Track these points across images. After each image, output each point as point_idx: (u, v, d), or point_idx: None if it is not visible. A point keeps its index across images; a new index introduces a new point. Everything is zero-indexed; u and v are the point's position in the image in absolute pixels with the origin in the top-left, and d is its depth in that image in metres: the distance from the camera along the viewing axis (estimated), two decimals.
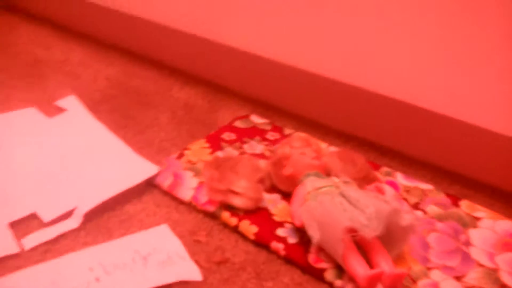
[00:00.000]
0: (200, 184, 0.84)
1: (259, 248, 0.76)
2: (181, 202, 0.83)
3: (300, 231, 0.76)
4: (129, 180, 0.84)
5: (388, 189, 0.84)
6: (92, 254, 0.73)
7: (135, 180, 0.84)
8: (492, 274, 0.72)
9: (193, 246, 0.76)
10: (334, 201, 0.72)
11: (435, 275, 0.71)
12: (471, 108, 0.87)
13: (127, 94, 1.15)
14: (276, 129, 0.99)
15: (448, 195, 0.85)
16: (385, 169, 0.90)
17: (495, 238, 0.77)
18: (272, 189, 0.84)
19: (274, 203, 0.82)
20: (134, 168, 0.88)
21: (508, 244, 0.76)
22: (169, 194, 0.85)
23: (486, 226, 0.79)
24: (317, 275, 0.71)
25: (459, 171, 0.92)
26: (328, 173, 0.82)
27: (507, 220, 0.81)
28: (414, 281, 0.70)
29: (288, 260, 0.74)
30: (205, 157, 0.91)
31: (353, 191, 0.74)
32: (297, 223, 0.75)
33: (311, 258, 0.73)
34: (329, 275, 0.71)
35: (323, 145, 0.95)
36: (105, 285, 0.68)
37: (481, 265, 0.73)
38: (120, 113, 1.07)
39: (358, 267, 0.67)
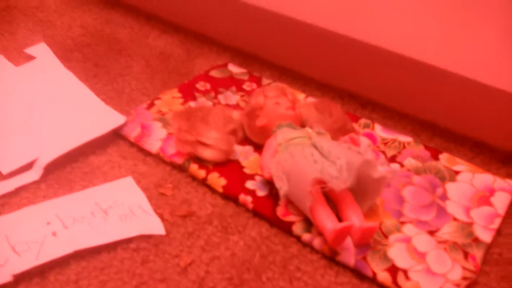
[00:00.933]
0: (169, 136, 0.81)
1: (227, 202, 0.73)
2: (148, 154, 0.80)
3: (270, 184, 0.73)
4: (94, 131, 0.80)
5: (363, 140, 0.80)
6: (50, 208, 0.70)
7: (100, 130, 0.81)
8: (466, 228, 0.69)
9: (158, 199, 0.73)
10: (305, 152, 0.69)
11: (408, 229, 0.69)
12: (456, 57, 0.82)
13: (101, 42, 1.09)
14: (254, 79, 0.95)
15: (427, 147, 0.82)
16: (364, 120, 0.86)
17: (473, 192, 0.74)
18: (245, 141, 0.81)
19: (245, 156, 0.79)
20: (100, 118, 0.84)
21: (485, 198, 0.73)
22: (136, 146, 0.81)
23: (465, 180, 0.76)
24: (285, 228, 0.69)
25: (441, 124, 0.88)
26: (303, 124, 0.78)
27: (487, 173, 0.78)
28: (385, 235, 0.67)
29: (256, 213, 0.71)
30: (177, 108, 0.87)
31: (325, 142, 0.70)
32: (266, 175, 0.72)
33: (279, 211, 0.70)
34: (297, 228, 0.68)
35: (301, 96, 0.90)
36: (62, 239, 0.66)
37: (456, 219, 0.70)
38: (92, 62, 1.02)
39: (326, 220, 0.65)
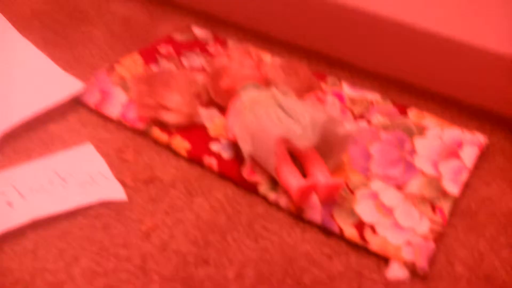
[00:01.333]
0: (130, 101, 0.78)
1: (191, 165, 0.71)
2: (109, 120, 0.77)
3: (235, 145, 0.71)
4: (51, 98, 0.77)
5: (329, 98, 0.78)
6: (5, 177, 0.67)
7: (58, 97, 0.77)
8: (434, 181, 0.68)
9: (120, 165, 0.71)
10: (269, 112, 0.67)
11: (375, 185, 0.68)
12: (420, 10, 0.80)
13: (60, 9, 1.05)
14: (219, 41, 0.92)
15: (395, 104, 0.80)
16: (331, 79, 0.84)
17: (441, 147, 0.73)
18: (210, 103, 0.79)
19: (210, 118, 0.76)
20: (59, 85, 0.81)
21: (453, 152, 0.73)
22: (96, 112, 0.78)
23: (433, 135, 0.75)
24: (251, 189, 0.67)
25: (409, 80, 0.87)
26: (269, 84, 0.76)
27: (455, 127, 0.77)
28: (352, 191, 0.66)
29: (221, 175, 0.69)
30: (138, 72, 0.84)
31: (290, 101, 0.69)
32: (230, 136, 0.70)
33: (245, 172, 0.68)
34: (263, 188, 0.66)
35: (268, 57, 0.88)
36: (18, 209, 0.63)
37: (424, 174, 0.69)
38: (50, 30, 0.98)
39: (291, 178, 0.63)
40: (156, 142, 0.74)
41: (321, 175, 0.64)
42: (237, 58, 0.77)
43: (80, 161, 0.70)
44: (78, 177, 0.67)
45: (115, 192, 0.66)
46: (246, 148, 0.66)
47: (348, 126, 0.70)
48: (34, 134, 0.75)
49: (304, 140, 0.63)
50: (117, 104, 0.78)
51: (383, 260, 0.60)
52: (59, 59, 0.89)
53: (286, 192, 0.65)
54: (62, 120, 0.77)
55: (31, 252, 0.60)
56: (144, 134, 0.75)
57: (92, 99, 0.78)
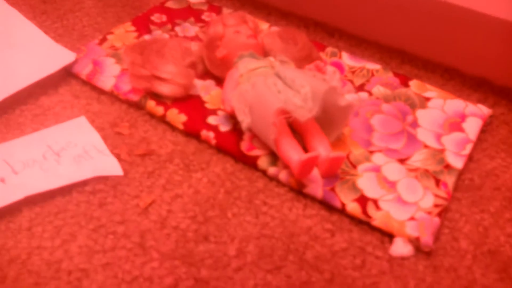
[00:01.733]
0: (123, 72, 0.75)
1: (188, 138, 0.69)
2: (102, 92, 0.75)
3: (233, 118, 0.69)
4: (42, 70, 0.74)
5: (329, 68, 0.76)
6: None
7: (49, 69, 0.75)
8: (438, 154, 0.67)
9: (114, 139, 0.69)
10: (268, 82, 0.65)
11: (378, 158, 0.66)
12: None
13: None
14: (214, 9, 0.89)
15: (396, 74, 0.78)
16: (330, 49, 0.82)
17: (444, 118, 0.72)
18: (206, 74, 0.76)
19: (207, 90, 0.74)
20: (49, 56, 0.78)
21: (456, 124, 0.71)
22: (89, 84, 0.76)
23: (435, 106, 0.74)
24: (250, 163, 0.65)
25: (411, 50, 0.85)
26: (267, 54, 0.74)
27: (458, 99, 0.75)
28: (354, 165, 0.65)
29: (219, 149, 0.68)
30: (131, 42, 0.81)
31: (289, 71, 0.66)
32: (228, 108, 0.68)
33: (244, 145, 0.66)
34: (262, 162, 0.65)
35: (265, 26, 0.85)
36: (11, 185, 0.61)
37: (426, 146, 0.68)
38: None
39: (291, 152, 0.61)
40: (151, 115, 0.72)
41: (322, 148, 0.63)
42: (233, 25, 0.74)
43: (74, 135, 0.68)
44: (72, 151, 0.65)
45: (111, 167, 0.65)
46: (244, 120, 0.64)
47: (349, 97, 0.68)
48: (26, 107, 0.72)
49: (304, 111, 0.61)
50: (110, 75, 0.75)
51: (387, 236, 0.59)
52: (48, 29, 0.86)
53: (286, 166, 0.63)
54: (54, 92, 0.75)
55: (27, 229, 0.58)
56: (138, 106, 0.72)
57: (84, 71, 0.76)
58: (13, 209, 0.60)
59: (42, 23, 0.88)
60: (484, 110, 0.74)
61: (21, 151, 0.65)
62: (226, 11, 0.88)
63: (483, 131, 0.72)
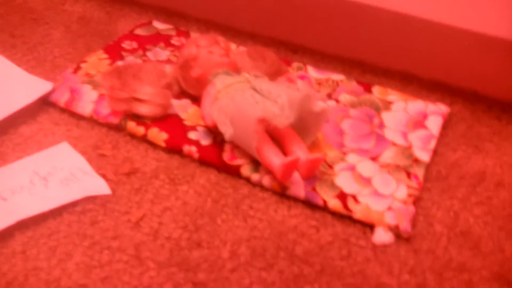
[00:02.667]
0: (101, 97, 0.78)
1: (171, 155, 0.72)
2: (81, 118, 0.77)
3: (213, 132, 0.72)
4: (20, 101, 0.76)
5: (300, 81, 0.81)
6: None
7: (27, 99, 0.76)
8: (406, 151, 0.72)
9: (99, 161, 0.71)
10: (246, 95, 0.69)
11: (351, 158, 0.71)
12: None
13: (13, 12, 1.03)
14: (182, 33, 0.93)
15: (360, 82, 0.84)
16: (296, 64, 0.87)
17: (407, 118, 0.77)
18: (181, 94, 0.79)
19: (184, 109, 0.77)
20: (25, 87, 0.79)
21: (419, 123, 0.77)
22: (67, 111, 0.78)
23: (398, 108, 0.79)
24: (233, 172, 0.69)
25: (370, 61, 0.91)
26: (239, 71, 0.78)
27: (418, 100, 0.81)
28: (330, 166, 0.69)
29: (202, 162, 0.71)
30: (104, 69, 0.83)
31: (264, 83, 0.71)
32: (209, 122, 0.71)
33: (226, 156, 0.70)
34: (245, 170, 0.68)
35: (233, 46, 0.90)
36: (2, 212, 0.62)
37: (395, 144, 0.73)
38: (7, 33, 0.96)
39: (273, 157, 0.65)
40: (132, 135, 0.74)
41: (301, 152, 0.67)
42: (206, 46, 0.78)
43: (59, 160, 0.69)
44: (59, 175, 0.67)
45: (98, 186, 0.66)
46: (227, 131, 0.67)
47: (322, 103, 0.72)
48: (7, 137, 0.74)
49: (282, 119, 0.65)
50: (88, 101, 0.77)
51: (368, 227, 0.64)
52: (20, 62, 0.88)
53: (268, 172, 0.67)
54: (34, 122, 0.76)
55: (21, 253, 0.59)
56: (119, 128, 0.75)
57: (61, 99, 0.78)
58: (5, 235, 0.61)
59: (13, 57, 0.89)
60: (443, 108, 0.80)
61: (7, 179, 0.67)
62: (194, 35, 0.92)
63: (444, 127, 0.78)
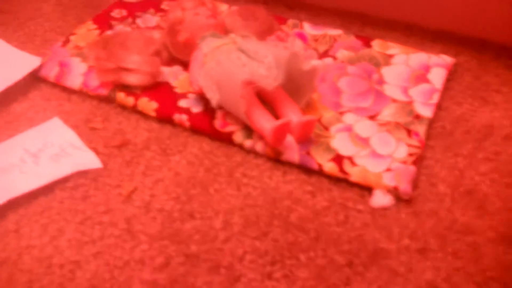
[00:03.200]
0: (90, 69, 0.76)
1: (162, 124, 0.70)
2: (72, 92, 0.75)
3: (204, 99, 0.70)
4: (9, 77, 0.75)
5: (292, 38, 0.77)
6: None
7: (16, 76, 0.75)
8: (406, 107, 0.69)
9: (90, 135, 0.69)
10: (232, 57, 0.66)
11: (348, 118, 0.68)
12: None
13: None
14: None
15: (358, 37, 0.80)
16: (292, 21, 0.83)
17: (409, 72, 0.74)
18: (172, 61, 0.77)
19: (175, 76, 0.75)
20: (14, 63, 0.78)
21: (421, 76, 0.73)
22: (58, 86, 0.76)
23: (399, 62, 0.75)
24: (226, 139, 0.67)
25: (371, 12, 0.86)
26: (228, 32, 0.75)
27: (421, 52, 0.77)
28: (326, 127, 0.66)
29: (194, 131, 0.69)
30: (93, 40, 0.81)
31: (251, 44, 0.67)
32: (195, 88, 0.69)
33: (218, 123, 0.67)
34: (238, 137, 0.66)
35: (224, 7, 0.86)
36: None
37: (395, 101, 0.70)
38: None
39: (263, 121, 0.63)
40: (123, 106, 0.72)
41: (293, 115, 0.64)
42: (191, 8, 0.74)
43: (49, 136, 0.68)
44: (49, 152, 0.66)
45: (90, 160, 0.65)
46: (213, 97, 0.65)
47: (314, 61, 0.69)
48: None
49: (270, 80, 0.62)
50: (77, 74, 0.75)
51: (366, 190, 0.61)
52: (10, 38, 0.86)
53: (261, 137, 0.64)
54: (24, 98, 0.75)
55: (14, 231, 0.59)
56: (109, 100, 0.73)
57: (51, 73, 0.76)
58: None
59: (3, 33, 0.87)
60: (448, 59, 0.75)
61: None
62: None
63: (449, 79, 0.74)
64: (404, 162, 0.62)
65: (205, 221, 0.59)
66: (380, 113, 0.68)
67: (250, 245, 0.57)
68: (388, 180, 0.60)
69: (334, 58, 0.76)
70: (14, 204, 0.61)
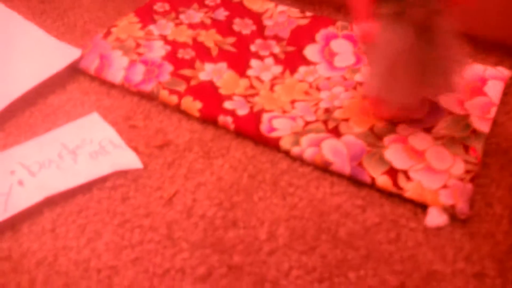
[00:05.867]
0: (132, 63, 0.73)
1: (205, 125, 0.68)
2: (112, 86, 0.73)
3: (249, 102, 0.67)
4: (48, 69, 0.73)
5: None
6: (12, 156, 0.63)
7: (55, 67, 0.73)
8: (462, 120, 0.65)
9: (130, 133, 0.67)
10: None
11: (402, 129, 0.64)
12: None
13: None
14: None
15: None
16: (341, 23, 0.80)
17: (464, 84, 0.70)
18: (218, 56, 0.74)
19: (219, 74, 0.72)
20: (54, 54, 0.76)
21: (477, 89, 0.69)
22: (97, 79, 0.74)
23: None
24: (272, 144, 0.64)
25: None
26: None
27: (476, 64, 0.73)
28: (379, 138, 0.63)
29: (238, 134, 0.66)
30: (136, 33, 0.79)
31: None
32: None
33: (264, 127, 0.65)
34: (285, 143, 0.63)
35: (271, 5, 0.83)
36: (30, 187, 0.60)
37: (451, 113, 0.66)
38: None
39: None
40: (165, 105, 0.70)
41: None
42: None
43: (88, 132, 0.66)
44: (88, 148, 0.64)
45: (130, 160, 0.63)
46: None
47: None
48: (36, 108, 0.71)
49: None
50: (119, 68, 0.73)
51: (420, 207, 0.58)
52: (50, 29, 0.84)
53: (311, 145, 0.61)
54: (63, 91, 0.73)
55: (50, 231, 0.57)
56: (151, 97, 0.71)
57: (91, 66, 0.74)
58: (34, 212, 0.59)
59: (43, 23, 0.86)
60: (505, 72, 0.72)
61: (35, 152, 0.64)
62: None
63: (505, 93, 0.70)
64: (462, 179, 0.58)
65: (249, 231, 0.56)
66: (436, 125, 0.64)
67: (296, 260, 0.54)
68: (445, 198, 0.57)
69: None
70: (51, 202, 0.59)
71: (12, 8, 0.88)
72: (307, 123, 0.65)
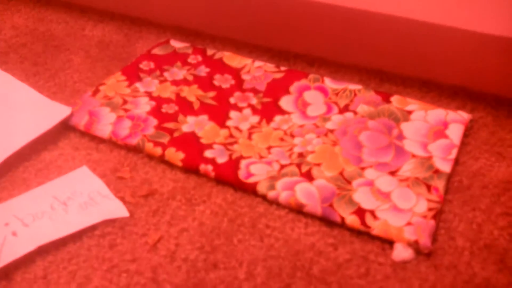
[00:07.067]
0: (119, 118, 0.79)
1: (188, 175, 0.72)
2: (101, 141, 0.78)
3: (228, 150, 0.72)
4: (40, 126, 0.78)
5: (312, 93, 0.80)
6: (6, 209, 0.67)
7: (47, 125, 0.78)
8: (426, 162, 0.70)
9: (117, 184, 0.71)
10: None
11: (370, 173, 0.69)
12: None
13: (36, 40, 1.06)
14: (198, 51, 0.93)
15: (378, 92, 0.82)
16: (313, 76, 0.86)
17: (427, 128, 0.76)
18: (199, 110, 0.80)
19: (200, 126, 0.78)
20: (46, 113, 0.81)
21: (440, 132, 0.75)
22: (87, 135, 0.79)
23: (418, 118, 0.78)
24: (250, 189, 0.68)
25: (388, 69, 0.89)
26: None
27: (438, 108, 0.79)
28: (348, 181, 0.68)
29: (219, 181, 0.71)
30: (123, 91, 0.85)
31: None
32: None
33: (242, 174, 0.70)
34: (261, 187, 0.68)
35: (248, 61, 0.90)
36: (23, 238, 0.63)
37: (414, 156, 0.71)
38: (30, 61, 0.99)
39: None
40: (150, 157, 0.75)
41: None
42: None
43: (78, 184, 0.70)
44: (78, 199, 0.68)
45: (117, 209, 0.67)
46: None
47: None
48: (29, 163, 0.75)
49: None
50: (106, 123, 0.78)
51: (387, 243, 0.62)
52: (42, 88, 0.90)
53: (285, 188, 0.66)
54: (55, 147, 0.78)
55: (42, 278, 0.61)
56: (137, 150, 0.76)
57: (81, 122, 0.79)
58: (27, 260, 0.62)
59: (36, 84, 0.91)
60: (465, 115, 0.78)
61: (29, 204, 0.68)
62: (210, 51, 0.93)
63: (466, 135, 0.76)
64: (424, 217, 0.63)
65: (229, 271, 0.60)
66: (401, 168, 0.70)
67: None
68: (409, 234, 0.61)
69: (355, 112, 0.79)
70: (43, 250, 0.63)
71: (6, 70, 0.94)
72: (282, 166, 0.70)
